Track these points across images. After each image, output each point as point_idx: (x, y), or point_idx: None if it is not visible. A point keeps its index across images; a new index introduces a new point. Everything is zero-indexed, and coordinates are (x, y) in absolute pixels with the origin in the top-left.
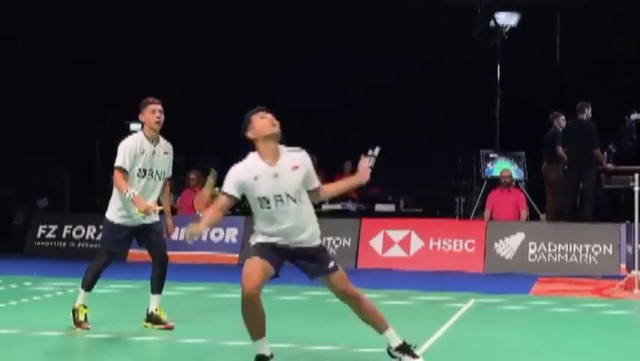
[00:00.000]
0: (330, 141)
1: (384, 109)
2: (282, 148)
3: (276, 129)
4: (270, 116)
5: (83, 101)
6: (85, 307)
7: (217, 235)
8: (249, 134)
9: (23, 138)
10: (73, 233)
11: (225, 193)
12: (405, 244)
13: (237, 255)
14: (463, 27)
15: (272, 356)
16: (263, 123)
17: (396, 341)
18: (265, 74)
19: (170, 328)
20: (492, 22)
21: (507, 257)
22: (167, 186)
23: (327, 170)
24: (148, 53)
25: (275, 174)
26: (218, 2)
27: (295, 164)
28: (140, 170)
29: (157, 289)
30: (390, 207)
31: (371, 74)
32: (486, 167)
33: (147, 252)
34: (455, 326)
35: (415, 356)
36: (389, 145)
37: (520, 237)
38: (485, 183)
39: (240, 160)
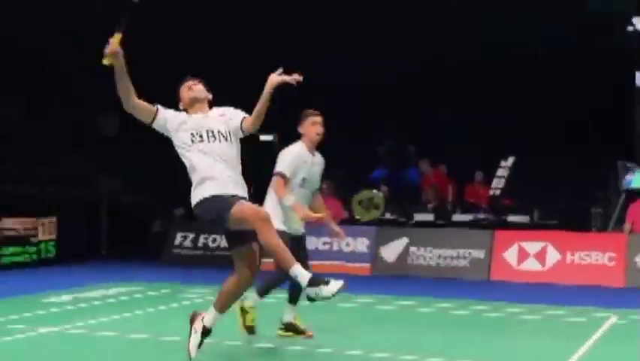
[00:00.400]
0: (460, 151)
1: (520, 120)
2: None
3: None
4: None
5: None
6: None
7: (348, 245)
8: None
9: (163, 143)
10: (209, 242)
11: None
12: (540, 256)
13: (368, 265)
14: (602, 33)
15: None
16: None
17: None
18: None
19: (310, 336)
20: (631, 28)
21: None
22: (319, 197)
23: (458, 181)
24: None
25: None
26: None
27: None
28: (301, 179)
29: (295, 299)
30: (524, 219)
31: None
32: (625, 178)
33: None
34: (599, 343)
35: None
36: (522, 155)
37: None
38: (624, 194)
39: None
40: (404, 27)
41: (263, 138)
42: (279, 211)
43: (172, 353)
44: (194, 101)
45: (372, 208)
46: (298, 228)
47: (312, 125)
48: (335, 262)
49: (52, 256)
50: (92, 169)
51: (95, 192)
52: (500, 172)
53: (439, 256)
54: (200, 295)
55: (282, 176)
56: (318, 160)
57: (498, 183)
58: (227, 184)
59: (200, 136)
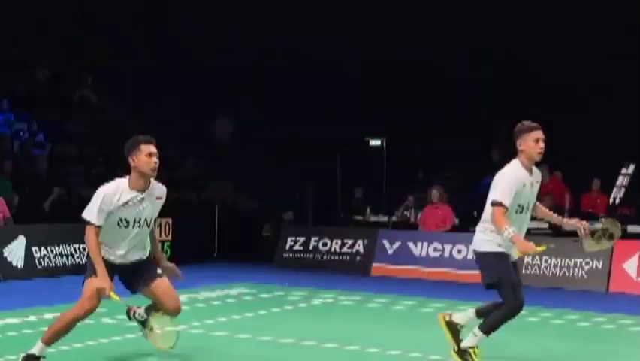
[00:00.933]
0: (578, 158)
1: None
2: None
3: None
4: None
5: (324, 118)
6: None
7: (460, 252)
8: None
9: (274, 152)
10: (320, 245)
11: None
12: None
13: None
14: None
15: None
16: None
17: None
18: None
19: None
20: None
21: None
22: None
23: (574, 189)
24: (386, 69)
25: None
26: None
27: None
28: (518, 206)
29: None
30: None
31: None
32: None
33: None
34: None
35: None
36: None
37: None
38: None
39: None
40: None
41: (372, 143)
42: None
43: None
44: (145, 176)
45: (605, 239)
46: (514, 254)
47: (535, 143)
48: (446, 269)
49: (167, 257)
50: (206, 173)
51: (209, 196)
52: (620, 180)
53: (555, 266)
54: (304, 298)
55: (500, 205)
56: (536, 178)
57: (618, 192)
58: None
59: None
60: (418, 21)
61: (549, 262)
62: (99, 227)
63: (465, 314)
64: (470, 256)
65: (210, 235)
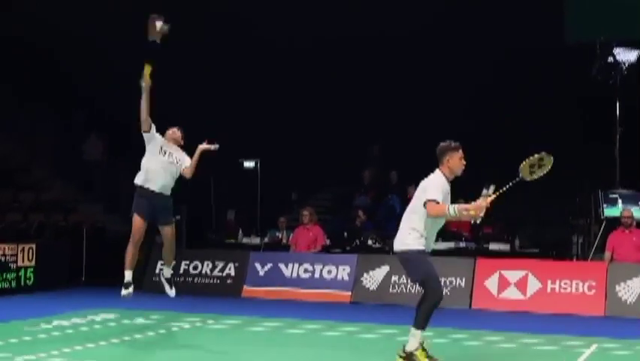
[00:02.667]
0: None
1: (500, 146)
2: None
3: None
4: None
5: (196, 138)
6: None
7: (329, 272)
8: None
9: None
10: (190, 268)
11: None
12: (521, 285)
13: (349, 293)
14: (582, 64)
15: None
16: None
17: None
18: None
19: None
20: (611, 59)
21: (629, 301)
22: None
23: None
24: (259, 92)
25: None
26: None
27: None
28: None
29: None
30: (505, 247)
31: (487, 114)
32: (605, 207)
33: None
34: None
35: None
36: (503, 183)
37: None
38: (604, 223)
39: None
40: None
41: (246, 164)
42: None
43: None
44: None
45: (538, 168)
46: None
47: (459, 160)
48: (316, 290)
49: (30, 284)
50: (75, 195)
51: (77, 219)
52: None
53: None
54: (171, 323)
55: (434, 201)
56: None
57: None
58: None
59: (164, 153)
60: (290, 45)
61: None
62: None
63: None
64: (340, 276)
65: (78, 260)
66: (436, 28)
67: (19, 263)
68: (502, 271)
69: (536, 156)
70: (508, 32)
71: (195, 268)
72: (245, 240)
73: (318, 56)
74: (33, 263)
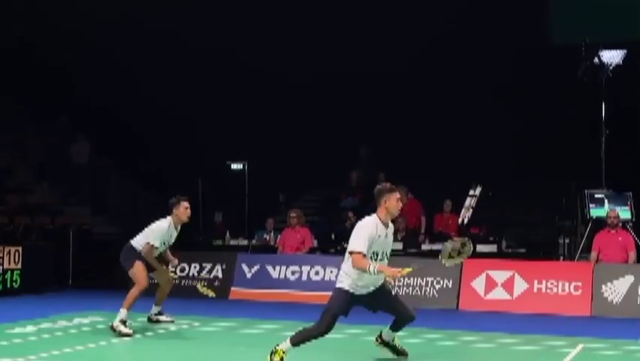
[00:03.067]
0: (430, 181)
1: (487, 148)
2: None
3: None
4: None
5: (184, 141)
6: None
7: (317, 273)
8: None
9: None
10: (177, 270)
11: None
12: (508, 285)
13: None
14: (567, 65)
15: None
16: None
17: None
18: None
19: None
20: (596, 60)
21: (615, 301)
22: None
23: (426, 210)
24: (247, 94)
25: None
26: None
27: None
28: (373, 253)
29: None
30: (492, 248)
31: (473, 116)
32: (591, 207)
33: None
34: None
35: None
36: (490, 184)
37: (628, 280)
38: (590, 223)
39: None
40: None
41: (234, 166)
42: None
43: None
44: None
45: (457, 255)
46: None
47: (397, 202)
48: (303, 292)
49: (17, 287)
50: (61, 197)
51: (63, 221)
52: (468, 201)
53: (409, 285)
54: (158, 325)
55: (359, 253)
56: (392, 230)
57: (466, 213)
58: None
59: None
60: (279, 48)
61: (402, 281)
62: None
63: (385, 332)
64: (327, 277)
65: (65, 262)
66: (425, 34)
67: (5, 266)
68: (489, 272)
69: (459, 241)
70: (495, 34)
71: (182, 270)
72: (232, 241)
73: (307, 59)
74: (19, 266)
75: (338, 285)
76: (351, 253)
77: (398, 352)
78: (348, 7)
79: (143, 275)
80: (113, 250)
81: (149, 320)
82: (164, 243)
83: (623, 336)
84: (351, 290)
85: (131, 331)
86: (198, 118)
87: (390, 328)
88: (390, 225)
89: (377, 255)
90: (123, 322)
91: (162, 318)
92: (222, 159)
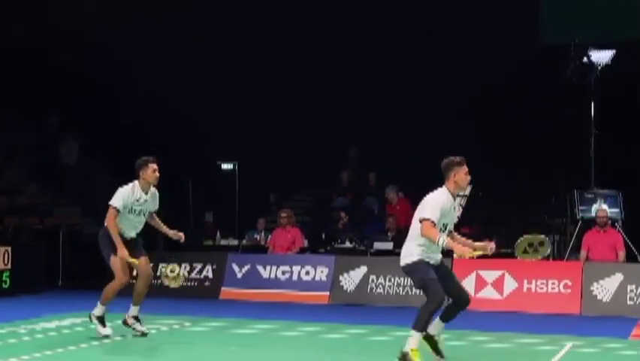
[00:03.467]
0: (420, 179)
1: (477, 148)
2: None
3: None
4: None
5: (175, 140)
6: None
7: (307, 273)
8: None
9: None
10: (168, 271)
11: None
12: (498, 285)
13: (327, 293)
14: (557, 65)
15: None
16: None
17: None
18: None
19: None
20: (585, 60)
21: (604, 299)
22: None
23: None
24: (237, 94)
25: None
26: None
27: None
28: (442, 225)
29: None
30: None
31: (464, 116)
32: (580, 206)
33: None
34: None
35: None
36: (480, 184)
37: (618, 278)
38: (580, 222)
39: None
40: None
41: (225, 166)
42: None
43: None
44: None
45: (533, 252)
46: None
47: (466, 175)
48: (294, 291)
49: (6, 287)
50: (50, 198)
51: (53, 222)
52: (458, 200)
53: (398, 285)
54: (148, 325)
55: (429, 220)
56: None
57: (457, 212)
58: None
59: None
60: (268, 48)
61: (393, 281)
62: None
63: (434, 325)
64: (318, 277)
65: (55, 263)
66: (416, 34)
67: None
68: (479, 271)
69: (539, 237)
70: (484, 33)
71: (173, 270)
72: (223, 242)
73: (296, 59)
74: (9, 266)
75: (407, 260)
76: (422, 220)
77: (437, 351)
78: (335, 6)
79: (119, 266)
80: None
81: (124, 322)
82: (133, 210)
83: (613, 335)
84: (422, 257)
85: (109, 331)
86: (188, 118)
87: (440, 318)
88: (457, 198)
89: (446, 227)
90: (100, 319)
91: (137, 326)
92: (213, 159)
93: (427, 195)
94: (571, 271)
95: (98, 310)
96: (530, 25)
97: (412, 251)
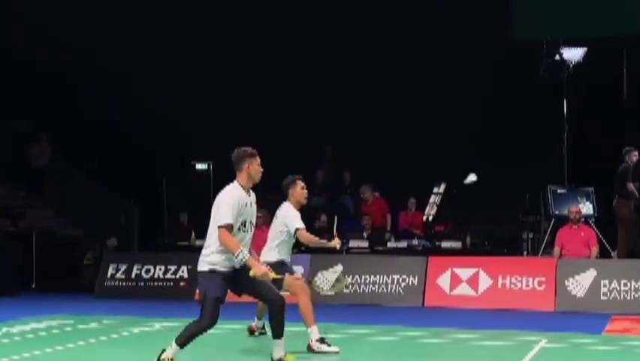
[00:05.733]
0: (395, 178)
1: (451, 145)
2: None
3: None
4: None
5: (149, 140)
6: None
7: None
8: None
9: (98, 177)
10: (143, 272)
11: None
12: (473, 282)
13: None
14: (529, 63)
15: None
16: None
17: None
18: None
19: None
20: (558, 57)
21: (578, 295)
22: None
23: (392, 208)
24: (212, 94)
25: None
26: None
27: None
28: (241, 224)
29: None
30: (457, 244)
31: (438, 113)
32: (554, 203)
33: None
34: None
35: None
36: (454, 181)
37: (591, 274)
38: (553, 219)
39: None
40: (467, 63)
41: (199, 166)
42: None
43: None
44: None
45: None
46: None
47: (259, 166)
48: None
49: None
50: (23, 200)
51: (26, 224)
52: (432, 198)
53: (374, 283)
54: (124, 327)
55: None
56: (253, 198)
57: (431, 210)
58: None
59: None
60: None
61: (368, 279)
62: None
63: (276, 348)
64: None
65: (28, 265)
66: (387, 32)
67: None
68: (454, 269)
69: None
70: (457, 31)
71: (148, 271)
72: (198, 242)
73: (272, 59)
74: None
75: (200, 267)
76: (219, 227)
77: None
78: (309, 6)
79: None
80: (77, 252)
81: (309, 348)
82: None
83: (586, 330)
84: (219, 268)
85: (336, 348)
86: (163, 118)
87: (274, 337)
88: (252, 192)
89: (244, 224)
90: (321, 340)
91: (324, 348)
92: (187, 159)
93: (220, 194)
94: (545, 267)
95: (314, 333)
96: (503, 24)
97: (206, 258)
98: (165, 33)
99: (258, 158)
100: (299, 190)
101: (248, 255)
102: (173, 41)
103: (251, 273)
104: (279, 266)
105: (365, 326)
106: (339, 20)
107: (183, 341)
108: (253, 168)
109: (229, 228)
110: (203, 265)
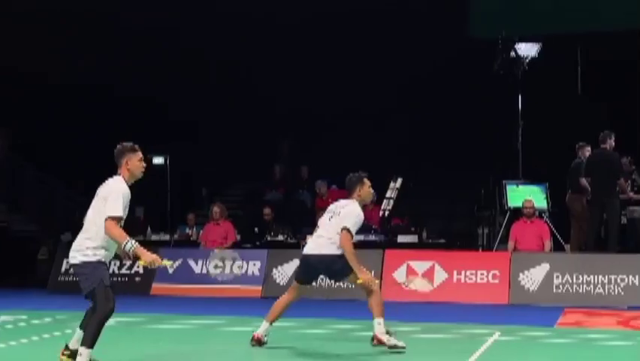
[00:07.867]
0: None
1: (407, 140)
2: None
3: None
4: None
5: (106, 131)
6: None
7: (240, 267)
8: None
9: (48, 168)
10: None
11: None
12: (429, 275)
13: (260, 287)
14: (484, 58)
15: None
16: None
17: None
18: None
19: None
20: (513, 53)
21: (532, 289)
22: None
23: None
24: (169, 87)
25: None
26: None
27: None
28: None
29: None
30: (413, 238)
31: (394, 108)
32: (508, 198)
33: None
34: (482, 358)
35: None
36: (410, 176)
37: (544, 268)
38: (508, 213)
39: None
40: (424, 58)
41: (156, 160)
42: None
43: None
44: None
45: None
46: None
47: (140, 162)
48: (226, 286)
49: None
50: None
51: None
52: (389, 193)
53: None
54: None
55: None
56: None
57: (387, 204)
58: None
59: None
60: (196, 38)
61: None
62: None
63: (76, 337)
64: (250, 271)
65: None
66: (343, 28)
67: None
68: (410, 263)
69: None
70: (412, 26)
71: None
72: (154, 237)
73: (228, 50)
74: None
75: (81, 258)
76: (106, 219)
77: None
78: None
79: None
80: (31, 247)
81: (378, 341)
82: None
83: (540, 323)
84: (102, 258)
85: (402, 343)
86: (118, 111)
87: (81, 327)
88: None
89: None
90: (387, 333)
91: (392, 341)
92: (143, 152)
93: (107, 184)
94: (499, 261)
95: (380, 325)
96: (458, 19)
97: (87, 249)
98: (123, 23)
99: (139, 153)
100: (366, 189)
101: (137, 243)
102: (130, 30)
103: (141, 262)
104: (341, 259)
105: (323, 320)
106: (291, 11)
107: (90, 341)
108: (132, 163)
109: (118, 220)
110: (88, 256)
